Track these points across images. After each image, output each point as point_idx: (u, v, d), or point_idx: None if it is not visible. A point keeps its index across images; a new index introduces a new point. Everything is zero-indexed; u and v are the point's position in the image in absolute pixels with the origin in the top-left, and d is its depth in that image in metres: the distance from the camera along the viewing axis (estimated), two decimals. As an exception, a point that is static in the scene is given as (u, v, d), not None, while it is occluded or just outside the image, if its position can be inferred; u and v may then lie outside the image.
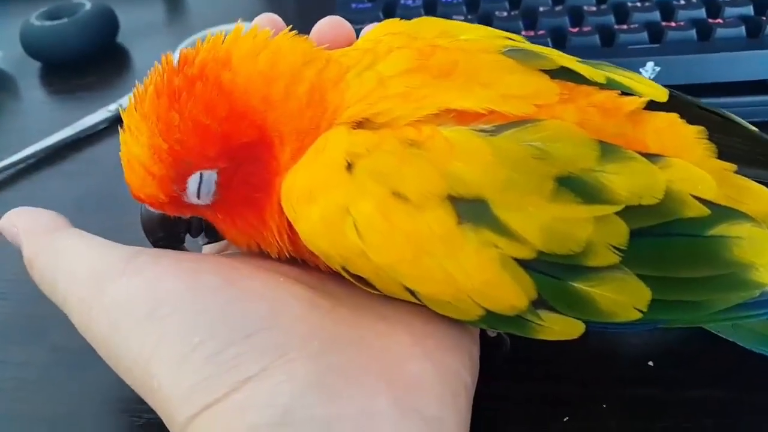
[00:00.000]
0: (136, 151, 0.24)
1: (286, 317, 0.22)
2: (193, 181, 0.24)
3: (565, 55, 0.25)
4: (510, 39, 0.26)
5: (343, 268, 0.23)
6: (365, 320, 0.23)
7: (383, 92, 0.24)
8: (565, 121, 0.23)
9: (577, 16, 0.45)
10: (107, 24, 0.56)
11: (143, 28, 0.60)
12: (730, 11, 0.43)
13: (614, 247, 0.22)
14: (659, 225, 0.22)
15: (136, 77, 0.24)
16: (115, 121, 0.47)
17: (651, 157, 0.23)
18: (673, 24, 0.43)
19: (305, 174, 0.23)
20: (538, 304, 0.22)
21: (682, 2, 0.45)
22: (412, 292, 0.23)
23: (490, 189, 0.21)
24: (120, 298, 0.23)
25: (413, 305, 0.24)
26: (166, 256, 0.24)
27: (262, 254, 0.26)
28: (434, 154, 0.22)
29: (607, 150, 0.22)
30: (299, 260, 0.26)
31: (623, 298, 0.22)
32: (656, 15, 0.44)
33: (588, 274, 0.22)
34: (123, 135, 0.24)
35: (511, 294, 0.22)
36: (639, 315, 0.23)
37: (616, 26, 0.44)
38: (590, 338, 0.24)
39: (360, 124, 0.23)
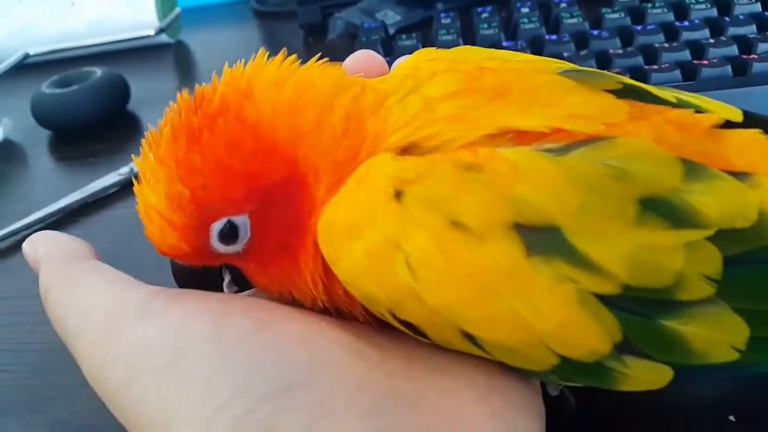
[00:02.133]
0: (153, 201, 0.21)
1: (330, 368, 0.19)
2: (216, 228, 0.21)
3: (625, 77, 0.23)
4: (563, 63, 0.24)
5: (391, 313, 0.20)
6: (421, 373, 0.20)
7: (431, 115, 0.21)
8: (641, 138, 0.20)
9: (604, 60, 0.44)
10: (118, 91, 0.55)
11: (155, 95, 0.59)
12: (763, 47, 0.42)
13: (708, 278, 0.19)
14: (754, 251, 0.19)
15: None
16: (127, 185, 0.45)
17: (738, 175, 0.20)
18: (705, 62, 0.42)
19: (346, 206, 0.20)
20: (622, 348, 0.19)
21: (711, 41, 0.44)
22: (472, 339, 0.20)
23: (563, 215, 0.19)
24: (138, 345, 0.20)
25: (471, 356, 0.21)
26: (190, 296, 0.21)
27: (295, 303, 0.23)
28: (495, 178, 0.19)
29: (692, 168, 0.20)
30: (333, 312, 0.23)
31: (719, 336, 0.19)
32: (686, 54, 0.43)
33: (679, 311, 0.19)
34: (138, 186, 0.22)
35: (592, 336, 0.19)
36: (736, 355, 0.20)
37: (646, 66, 0.42)
38: (662, 393, 0.21)
39: (406, 150, 0.21)
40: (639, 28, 0.46)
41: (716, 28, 0.45)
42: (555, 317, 0.19)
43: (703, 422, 0.25)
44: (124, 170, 0.46)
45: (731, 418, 0.25)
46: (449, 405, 0.19)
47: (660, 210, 0.19)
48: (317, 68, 0.23)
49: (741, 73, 0.41)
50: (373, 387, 0.19)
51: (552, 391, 0.24)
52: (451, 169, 0.19)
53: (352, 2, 0.61)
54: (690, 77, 0.41)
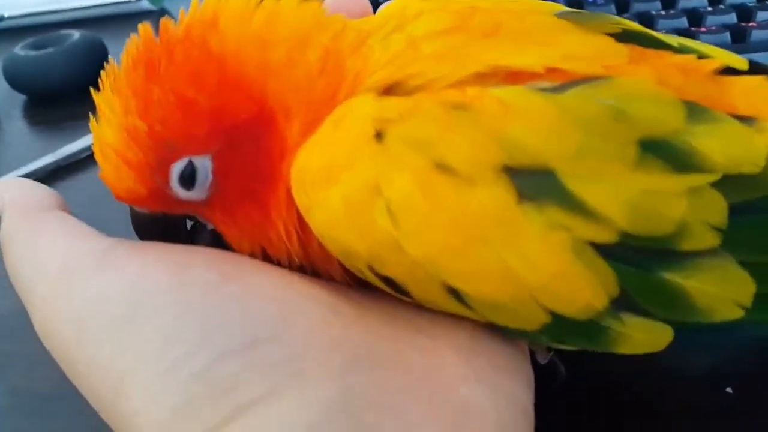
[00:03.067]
0: (108, 136, 0.20)
1: (300, 324, 0.17)
2: (176, 169, 0.20)
3: (625, 20, 0.22)
4: (560, 6, 0.22)
5: (370, 268, 0.19)
6: (401, 333, 0.19)
7: (415, 54, 0.20)
8: (642, 79, 0.19)
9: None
10: (96, 54, 0.53)
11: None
12: (763, 15, 0.41)
13: (712, 227, 0.18)
14: (762, 198, 0.18)
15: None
16: (102, 149, 0.43)
17: (743, 119, 0.19)
18: (704, 29, 0.41)
19: (321, 150, 0.19)
20: (619, 303, 0.18)
21: (710, 9, 0.43)
22: (456, 294, 0.18)
23: (557, 157, 0.17)
24: (91, 298, 0.18)
25: (456, 317, 0.19)
26: (151, 247, 0.20)
27: (269, 261, 0.21)
28: (485, 118, 0.18)
29: (695, 110, 0.18)
30: (310, 270, 0.21)
31: (723, 292, 0.18)
32: (683, 22, 0.42)
33: (682, 262, 0.18)
34: (94, 123, 0.20)
35: (586, 290, 0.18)
36: (741, 313, 0.18)
37: (642, 32, 0.41)
38: (656, 362, 0.20)
39: (389, 90, 0.19)
40: (635, -5, 0.45)
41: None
42: (547, 268, 0.17)
43: (700, 393, 0.24)
44: (99, 133, 0.44)
45: (728, 390, 0.24)
46: (429, 365, 0.18)
47: (661, 153, 0.18)
48: (294, 3, 0.21)
49: (740, 41, 0.40)
50: (348, 344, 0.17)
51: (541, 359, 0.23)
52: (437, 109, 0.18)
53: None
54: (688, 44, 0.40)
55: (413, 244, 0.18)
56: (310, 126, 0.19)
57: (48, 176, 0.42)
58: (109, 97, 0.20)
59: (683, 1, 0.44)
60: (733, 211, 0.18)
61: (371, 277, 0.19)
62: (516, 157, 0.17)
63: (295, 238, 0.20)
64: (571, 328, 0.18)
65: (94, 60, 0.53)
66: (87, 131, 0.45)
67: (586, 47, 0.20)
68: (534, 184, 0.17)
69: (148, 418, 0.16)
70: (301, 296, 0.18)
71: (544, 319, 0.18)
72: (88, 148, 0.43)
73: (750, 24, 0.41)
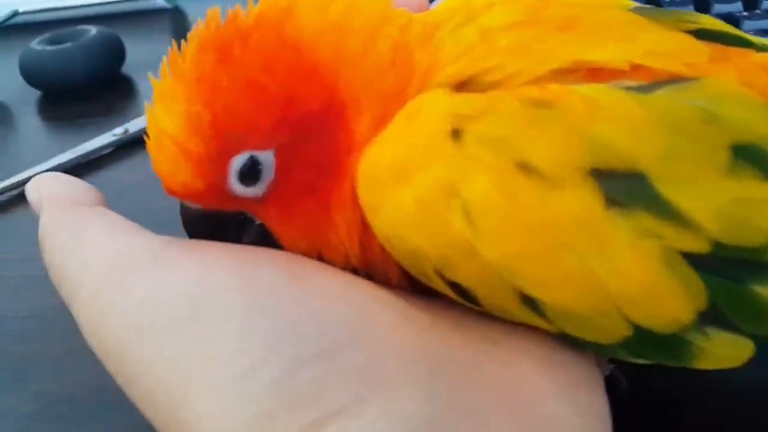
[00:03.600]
0: (167, 124, 0.18)
1: (375, 328, 0.16)
2: (236, 164, 0.19)
3: (701, 15, 0.21)
4: (629, 1, 0.21)
5: (437, 272, 0.18)
6: (472, 342, 0.18)
7: (489, 47, 0.19)
8: (729, 80, 0.18)
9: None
10: (113, 51, 0.52)
11: (150, 60, 0.55)
12: (801, 21, 0.41)
13: None
14: None
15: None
16: (121, 146, 0.42)
17: None
18: (741, 33, 0.40)
19: (393, 146, 0.18)
20: (706, 317, 0.17)
21: (746, 14, 0.42)
22: (531, 302, 0.17)
23: (648, 159, 0.16)
24: (149, 296, 0.17)
25: (525, 327, 0.18)
26: (209, 245, 0.19)
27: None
28: (570, 116, 0.17)
29: None
30: (364, 275, 0.20)
31: None
32: (720, 26, 0.41)
33: None
34: (150, 107, 0.19)
35: (675, 303, 0.16)
36: None
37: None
38: (728, 374, 0.18)
39: (462, 86, 0.18)
40: (668, -1, 0.44)
41: (750, 1, 0.43)
42: (635, 278, 0.16)
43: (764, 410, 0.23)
44: (118, 131, 0.43)
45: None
46: (510, 376, 0.17)
47: (754, 159, 0.17)
48: None
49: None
50: (427, 351, 0.16)
51: (603, 371, 0.22)
52: (517, 106, 0.17)
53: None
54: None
55: (490, 248, 0.17)
56: (380, 121, 0.18)
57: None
58: (170, 83, 0.19)
59: (718, 5, 0.43)
60: None
61: (438, 282, 0.18)
62: (604, 158, 0.16)
63: (356, 238, 0.19)
64: (652, 342, 0.17)
65: (111, 57, 0.52)
66: (102, 130, 0.45)
67: (666, 44, 0.19)
68: (623, 187, 0.16)
69: (218, 426, 0.15)
70: (370, 299, 0.17)
71: (625, 332, 0.17)
72: (108, 145, 0.42)
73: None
